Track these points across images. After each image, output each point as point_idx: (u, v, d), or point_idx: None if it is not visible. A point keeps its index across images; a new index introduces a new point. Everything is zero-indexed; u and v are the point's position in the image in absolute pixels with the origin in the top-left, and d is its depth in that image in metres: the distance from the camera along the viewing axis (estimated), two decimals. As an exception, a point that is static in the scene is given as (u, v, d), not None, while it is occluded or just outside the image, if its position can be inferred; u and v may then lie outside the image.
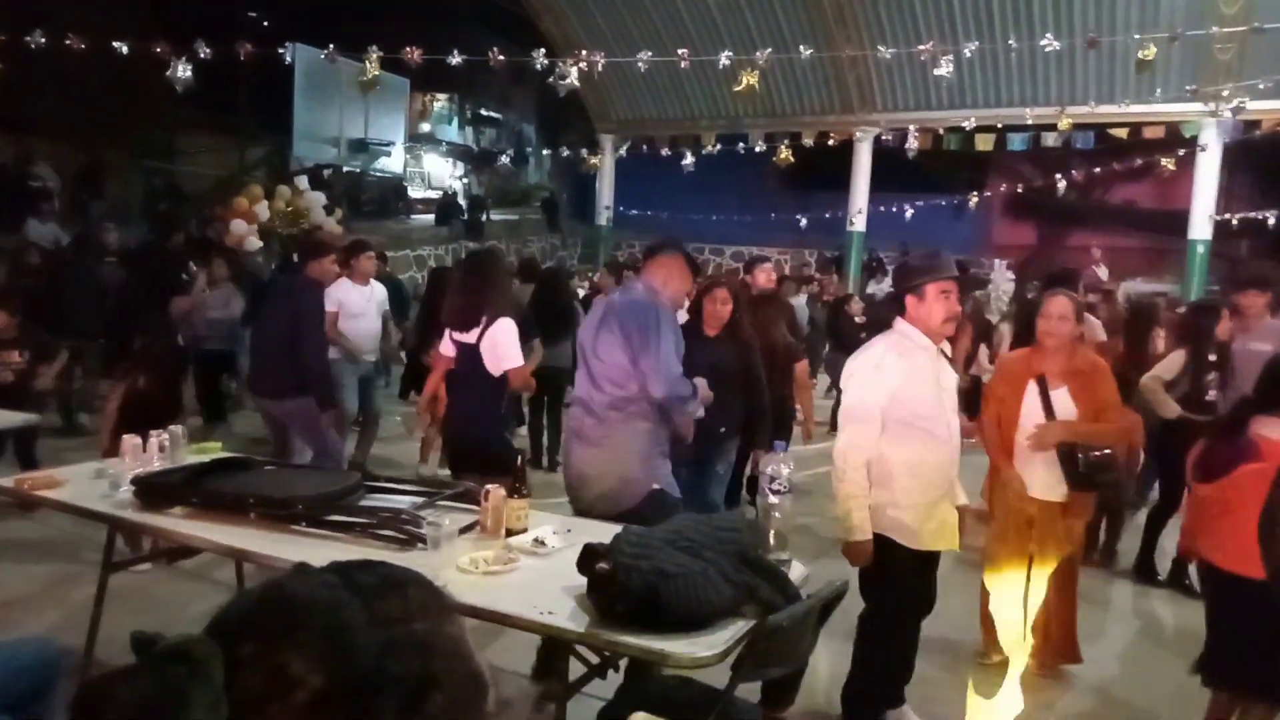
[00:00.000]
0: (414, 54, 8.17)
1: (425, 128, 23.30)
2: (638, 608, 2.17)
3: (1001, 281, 16.36)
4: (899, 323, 3.11)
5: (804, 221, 15.45)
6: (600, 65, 7.67)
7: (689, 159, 13.40)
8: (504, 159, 16.79)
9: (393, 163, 18.22)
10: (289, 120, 14.32)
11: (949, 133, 13.18)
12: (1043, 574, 3.65)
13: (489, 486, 2.77)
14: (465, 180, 22.85)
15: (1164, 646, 4.31)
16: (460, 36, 12.11)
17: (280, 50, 8.25)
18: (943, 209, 14.74)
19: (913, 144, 12.05)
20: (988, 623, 3.85)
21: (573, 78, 7.49)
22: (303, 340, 4.72)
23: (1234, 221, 13.04)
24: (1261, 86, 10.18)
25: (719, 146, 14.26)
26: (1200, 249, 13.12)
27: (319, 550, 2.56)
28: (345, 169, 16.51)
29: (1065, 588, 3.75)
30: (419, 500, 2.91)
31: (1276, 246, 15.72)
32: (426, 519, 2.66)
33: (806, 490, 6.25)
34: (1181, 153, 12.21)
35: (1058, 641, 3.79)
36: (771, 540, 2.69)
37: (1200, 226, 13.08)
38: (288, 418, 4.89)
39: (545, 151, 19.75)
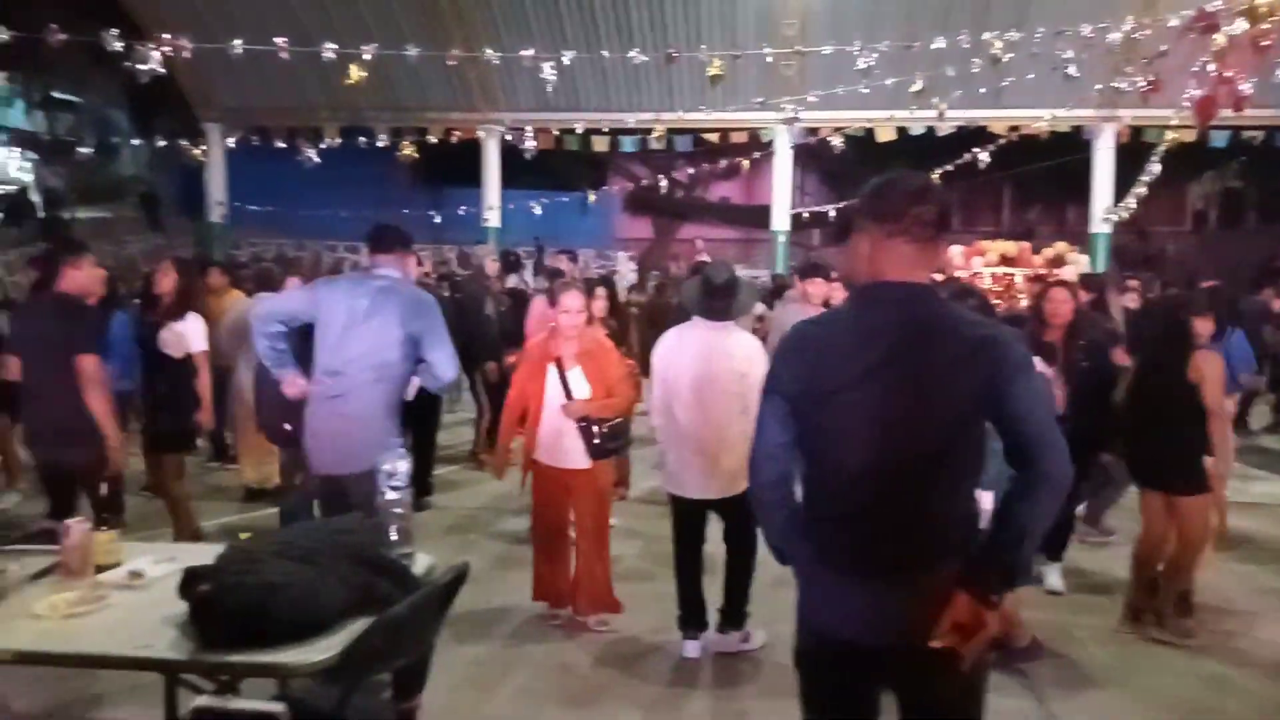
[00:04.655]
0: (-61, 25, 6.83)
1: (-23, 112, 19.53)
2: (245, 624, 2.13)
3: (625, 271, 17.72)
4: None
5: (439, 218, 15.36)
6: (186, 52, 6.97)
7: (310, 151, 12.69)
8: (84, 149, 14.49)
9: (-69, 153, 15.09)
10: None
11: (565, 134, 13.90)
12: (584, 533, 4.22)
13: (68, 522, 2.51)
14: (37, 173, 19.50)
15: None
16: (12, 7, 10.28)
17: None
18: (572, 205, 15.51)
19: (530, 143, 12.52)
20: (539, 579, 4.31)
21: (154, 63, 6.75)
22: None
23: (805, 215, 15.27)
24: (811, 99, 12.05)
25: (340, 140, 13.72)
26: (782, 238, 15.21)
27: None
28: None
29: (599, 544, 4.27)
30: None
31: (840, 234, 18.78)
32: (-14, 568, 2.35)
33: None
34: (758, 155, 14.06)
35: (594, 593, 4.27)
36: (394, 536, 2.75)
37: (780, 219, 15.14)
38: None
39: (136, 141, 17.45)
